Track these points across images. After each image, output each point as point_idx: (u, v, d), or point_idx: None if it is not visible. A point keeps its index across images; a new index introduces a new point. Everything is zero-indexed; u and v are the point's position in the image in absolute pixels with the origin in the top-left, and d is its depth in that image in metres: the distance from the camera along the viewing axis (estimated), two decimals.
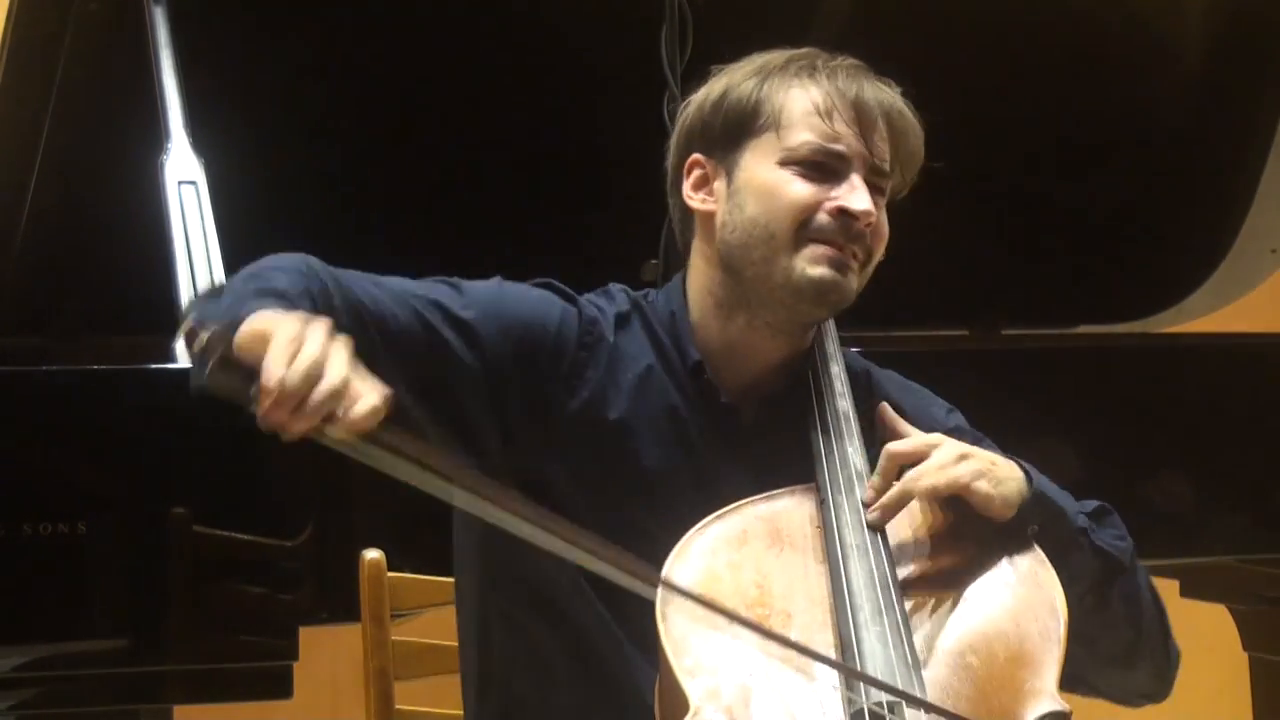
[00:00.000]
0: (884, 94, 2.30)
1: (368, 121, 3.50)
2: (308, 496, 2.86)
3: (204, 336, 1.88)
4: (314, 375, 1.85)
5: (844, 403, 2.28)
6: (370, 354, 1.96)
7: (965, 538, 2.21)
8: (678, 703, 2.02)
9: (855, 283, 2.27)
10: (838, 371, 2.31)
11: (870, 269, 2.30)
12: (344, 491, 2.87)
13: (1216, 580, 3.87)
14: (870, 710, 1.99)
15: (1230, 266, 4.08)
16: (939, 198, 3.82)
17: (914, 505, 2.21)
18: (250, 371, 1.86)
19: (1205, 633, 4.31)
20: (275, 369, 1.84)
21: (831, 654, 2.05)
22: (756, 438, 2.31)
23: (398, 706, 2.61)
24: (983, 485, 2.17)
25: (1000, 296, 3.96)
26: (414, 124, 3.51)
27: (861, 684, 2.00)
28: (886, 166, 2.29)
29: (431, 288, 2.22)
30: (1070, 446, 3.46)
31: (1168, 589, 4.00)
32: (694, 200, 2.32)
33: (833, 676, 2.03)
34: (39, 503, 2.73)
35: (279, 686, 2.83)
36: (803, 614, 2.08)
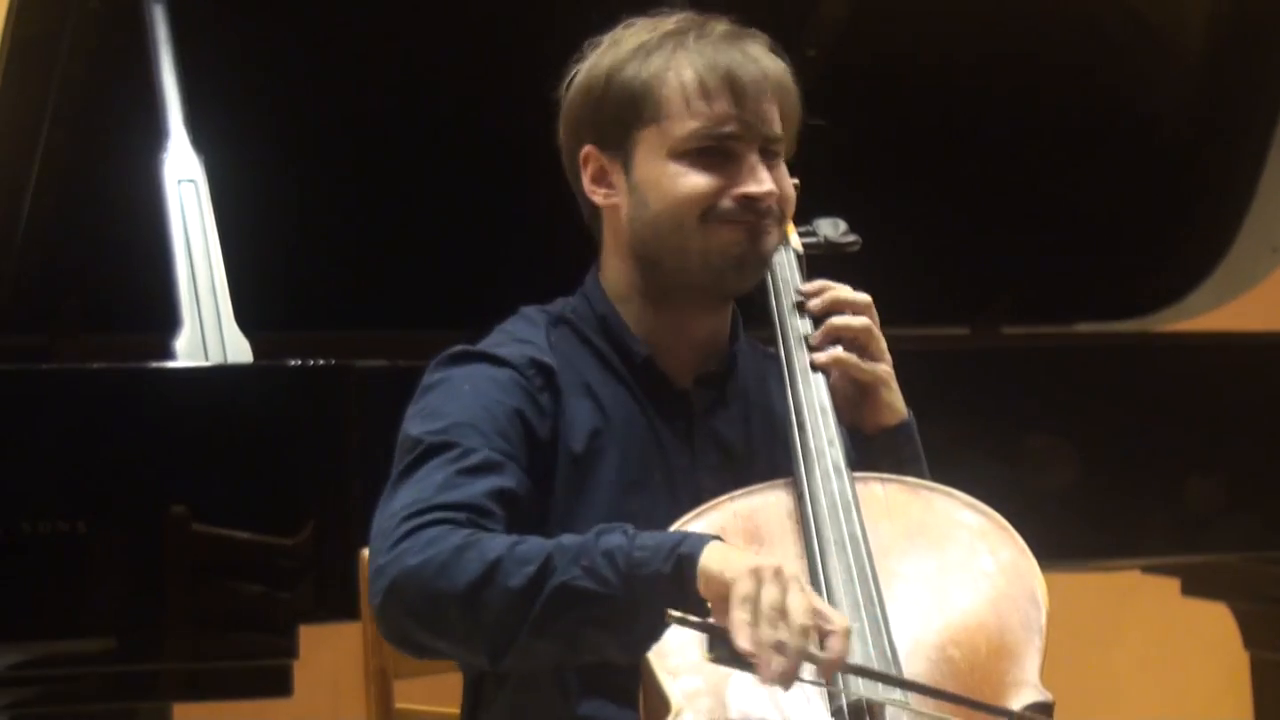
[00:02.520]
0: (758, 58, 2.27)
1: (368, 119, 3.50)
2: (308, 495, 2.86)
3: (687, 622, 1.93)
4: (779, 617, 1.91)
5: (820, 395, 2.28)
6: None
7: (944, 531, 2.21)
8: (659, 704, 2.02)
9: (773, 240, 2.29)
10: (805, 367, 2.31)
11: (787, 220, 2.32)
12: (344, 490, 2.86)
13: (1218, 578, 3.87)
14: (851, 707, 2.00)
15: (1231, 264, 4.08)
16: (938, 197, 3.85)
17: (891, 499, 2.22)
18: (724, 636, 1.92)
19: (1206, 631, 4.31)
20: (742, 633, 1.90)
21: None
22: (709, 420, 2.32)
23: (397, 705, 2.61)
24: (888, 368, 2.31)
25: (1001, 295, 3.96)
26: (415, 122, 3.51)
27: (843, 681, 2.01)
28: (776, 130, 2.27)
29: (448, 469, 2.15)
30: (1071, 445, 3.46)
31: (1168, 588, 4.00)
32: (597, 195, 2.31)
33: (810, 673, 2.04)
34: (38, 501, 2.73)
35: (279, 684, 2.83)
36: None
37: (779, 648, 1.90)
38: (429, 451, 2.16)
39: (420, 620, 2.06)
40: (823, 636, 1.92)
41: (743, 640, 1.90)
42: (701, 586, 1.96)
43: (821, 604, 1.95)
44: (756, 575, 1.93)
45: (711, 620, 1.93)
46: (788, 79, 2.29)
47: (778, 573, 1.94)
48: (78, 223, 3.34)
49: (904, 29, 3.73)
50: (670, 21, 2.30)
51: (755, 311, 2.38)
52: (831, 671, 1.94)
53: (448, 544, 2.04)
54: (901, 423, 2.33)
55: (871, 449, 2.31)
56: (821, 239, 2.44)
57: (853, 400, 2.31)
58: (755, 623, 1.90)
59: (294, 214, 3.42)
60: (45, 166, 3.28)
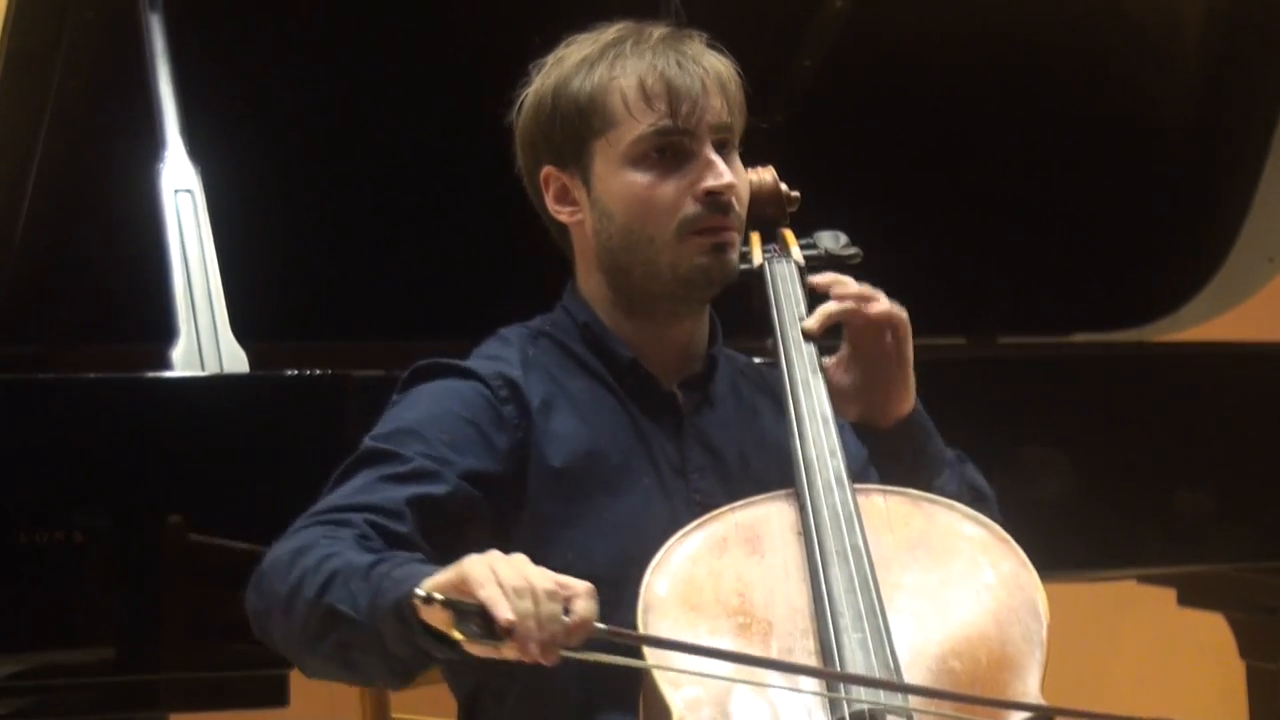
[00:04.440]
0: (698, 56, 2.29)
1: (364, 130, 3.50)
2: (304, 504, 2.86)
3: (432, 599, 1.89)
4: (526, 588, 1.88)
5: (821, 406, 2.28)
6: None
7: (945, 543, 2.21)
8: (660, 712, 2.02)
9: (737, 251, 2.31)
10: (807, 378, 2.31)
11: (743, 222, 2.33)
12: None
13: (1214, 588, 3.87)
14: (853, 717, 2.00)
15: (1227, 275, 4.08)
16: (933, 206, 3.85)
17: (893, 511, 2.22)
18: (477, 613, 1.88)
19: (1202, 641, 4.32)
20: (498, 604, 1.86)
21: (812, 661, 2.05)
22: (696, 421, 2.33)
23: (393, 715, 2.61)
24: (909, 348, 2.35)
25: (996, 304, 3.96)
26: (412, 133, 3.51)
27: (844, 689, 2.01)
28: (725, 119, 2.29)
29: (374, 474, 2.18)
30: (1066, 455, 3.46)
31: (1165, 598, 4.00)
32: (562, 215, 2.33)
33: (816, 684, 2.03)
34: (35, 511, 2.72)
35: (275, 694, 2.83)
36: (784, 621, 2.09)
37: (534, 617, 1.87)
38: (364, 458, 2.20)
39: (257, 615, 2.10)
40: (569, 601, 1.90)
41: (501, 610, 1.86)
42: (425, 613, 1.92)
43: (557, 575, 1.92)
44: (484, 561, 1.91)
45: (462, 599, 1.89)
46: (730, 73, 2.31)
47: (500, 555, 1.93)
48: (75, 232, 3.34)
49: (897, 38, 3.74)
50: (610, 32, 2.32)
51: (754, 319, 2.39)
52: (581, 634, 1.90)
53: (293, 544, 2.08)
54: (916, 410, 2.36)
55: (889, 441, 2.32)
56: (822, 251, 2.46)
57: (864, 391, 2.33)
58: (507, 596, 1.87)
59: (291, 224, 3.42)
60: (42, 176, 3.27)
